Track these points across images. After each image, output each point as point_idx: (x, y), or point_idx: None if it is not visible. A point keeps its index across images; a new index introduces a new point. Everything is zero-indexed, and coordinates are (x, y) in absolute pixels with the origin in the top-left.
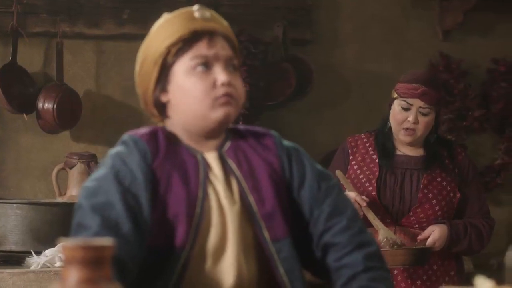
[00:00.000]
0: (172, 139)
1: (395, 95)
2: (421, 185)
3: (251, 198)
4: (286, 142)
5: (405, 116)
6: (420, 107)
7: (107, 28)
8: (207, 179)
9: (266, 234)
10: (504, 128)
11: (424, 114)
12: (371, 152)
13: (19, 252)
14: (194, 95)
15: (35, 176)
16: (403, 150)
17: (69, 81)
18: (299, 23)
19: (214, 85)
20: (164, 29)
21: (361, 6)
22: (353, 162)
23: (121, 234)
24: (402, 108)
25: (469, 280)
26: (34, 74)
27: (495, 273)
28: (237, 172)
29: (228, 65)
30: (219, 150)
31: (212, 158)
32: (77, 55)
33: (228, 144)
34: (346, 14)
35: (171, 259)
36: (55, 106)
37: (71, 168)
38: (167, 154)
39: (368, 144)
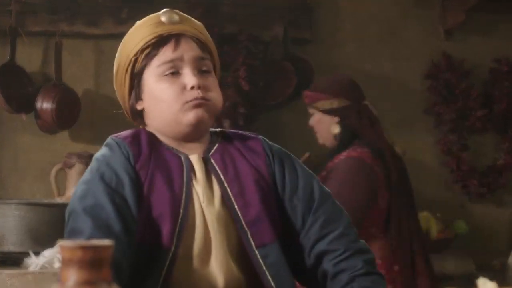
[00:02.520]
0: (155, 140)
1: None
2: None
3: (235, 204)
4: (276, 147)
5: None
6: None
7: (106, 27)
8: (190, 181)
9: (251, 240)
10: (507, 128)
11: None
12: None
13: (17, 253)
14: (164, 101)
15: (33, 176)
16: None
17: (68, 81)
18: (299, 22)
19: (183, 89)
20: (132, 37)
21: (361, 5)
22: None
23: (113, 234)
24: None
25: (471, 281)
26: (32, 73)
27: (498, 274)
28: (222, 177)
29: (198, 67)
30: (206, 153)
31: (195, 160)
32: (76, 55)
33: (215, 148)
34: (346, 14)
35: (157, 259)
36: (53, 106)
37: (69, 168)
38: (150, 155)
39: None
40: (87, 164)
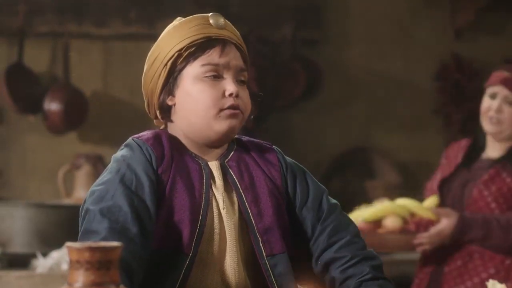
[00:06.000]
0: (176, 144)
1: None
2: (481, 181)
3: (249, 211)
4: (289, 159)
5: (490, 104)
6: (505, 95)
7: (114, 27)
8: (210, 187)
9: (262, 248)
10: None
11: (509, 104)
12: (459, 155)
13: (25, 254)
14: (200, 102)
15: (41, 178)
16: (490, 153)
17: (75, 82)
18: (308, 22)
19: (222, 95)
20: (177, 32)
21: (371, 5)
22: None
23: (129, 237)
24: (488, 96)
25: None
26: (40, 74)
27: None
28: (238, 184)
29: (238, 77)
30: (222, 159)
31: (214, 167)
32: (84, 55)
33: (231, 155)
34: (356, 14)
35: (175, 264)
36: (61, 106)
37: (77, 169)
38: (172, 159)
39: (462, 146)
40: (95, 165)
